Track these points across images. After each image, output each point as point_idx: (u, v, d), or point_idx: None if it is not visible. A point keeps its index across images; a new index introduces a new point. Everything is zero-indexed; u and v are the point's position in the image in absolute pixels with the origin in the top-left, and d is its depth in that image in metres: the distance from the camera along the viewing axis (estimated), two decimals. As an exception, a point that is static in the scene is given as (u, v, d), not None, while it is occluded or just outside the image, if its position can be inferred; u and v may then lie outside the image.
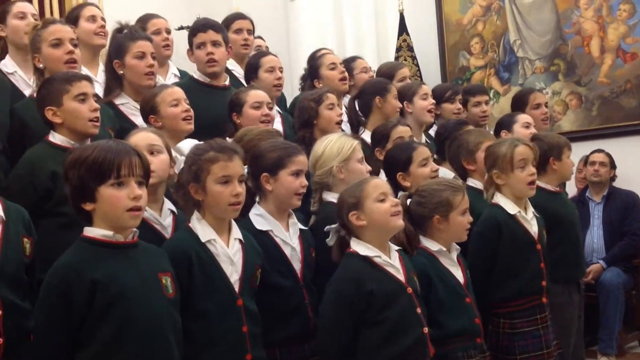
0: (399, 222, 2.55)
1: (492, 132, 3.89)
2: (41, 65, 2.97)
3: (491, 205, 3.07)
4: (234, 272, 2.34)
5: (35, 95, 2.83)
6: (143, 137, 2.51)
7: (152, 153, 2.49)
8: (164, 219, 2.54)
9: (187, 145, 2.62)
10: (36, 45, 2.98)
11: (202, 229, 2.34)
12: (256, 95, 3.25)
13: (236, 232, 2.41)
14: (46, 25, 3.00)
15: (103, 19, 3.63)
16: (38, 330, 2.05)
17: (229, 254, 2.35)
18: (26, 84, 3.28)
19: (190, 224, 2.37)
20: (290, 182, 2.58)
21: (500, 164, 3.03)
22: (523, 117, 3.94)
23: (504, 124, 3.94)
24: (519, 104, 4.31)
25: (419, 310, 2.52)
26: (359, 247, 2.53)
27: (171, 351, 2.10)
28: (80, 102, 2.64)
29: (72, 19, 3.49)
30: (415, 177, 3.02)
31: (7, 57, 3.41)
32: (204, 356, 2.26)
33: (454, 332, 2.65)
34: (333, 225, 2.60)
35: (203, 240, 2.33)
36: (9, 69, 3.32)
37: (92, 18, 3.57)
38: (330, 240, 2.60)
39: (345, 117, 3.94)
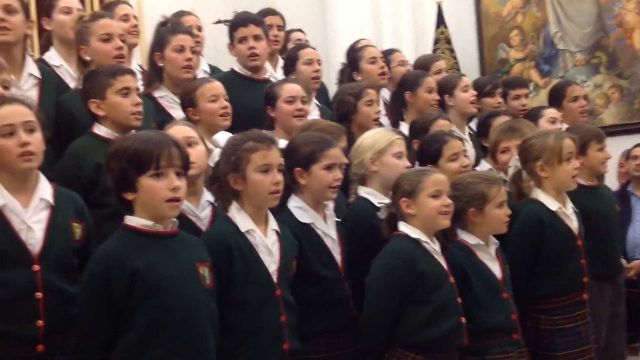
0: (446, 221, 2.59)
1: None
2: (88, 58, 3.00)
3: (531, 201, 3.02)
4: (272, 263, 2.37)
5: (80, 87, 2.88)
6: (178, 131, 2.54)
7: (189, 145, 2.52)
8: (201, 210, 2.58)
9: (223, 137, 2.64)
10: (83, 37, 3.01)
11: (241, 219, 2.37)
12: (290, 89, 3.27)
13: (273, 223, 2.44)
14: (95, 19, 3.04)
15: (135, 18, 3.67)
16: (81, 317, 2.10)
17: (267, 245, 2.38)
18: (72, 77, 3.31)
19: (229, 214, 2.40)
20: (323, 177, 2.59)
21: (548, 156, 2.98)
22: (549, 112, 3.87)
23: (530, 118, 3.84)
24: (556, 96, 4.24)
25: (459, 300, 2.56)
26: (408, 230, 2.57)
27: (207, 340, 2.13)
28: (123, 96, 2.68)
29: None
30: (444, 171, 2.99)
31: (52, 49, 3.45)
32: (243, 345, 2.29)
33: (490, 327, 2.65)
34: (386, 201, 2.64)
35: (243, 230, 2.35)
36: (55, 62, 3.37)
37: (126, 17, 3.62)
38: (382, 214, 2.64)
39: (382, 111, 3.95)
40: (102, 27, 3.00)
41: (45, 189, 2.28)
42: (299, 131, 2.90)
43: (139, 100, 2.73)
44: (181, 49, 3.29)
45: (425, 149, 3.12)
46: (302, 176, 2.60)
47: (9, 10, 2.90)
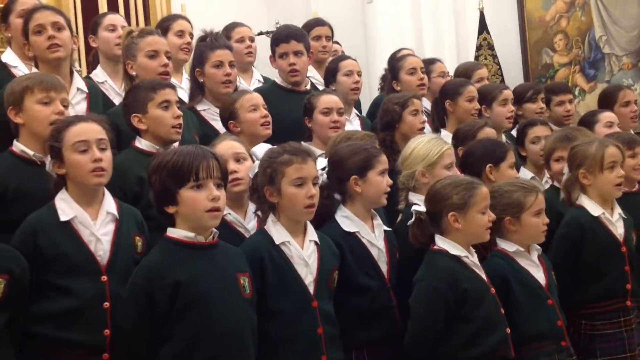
0: (488, 236, 2.58)
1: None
2: (134, 73, 3.09)
3: (575, 206, 3.00)
4: (308, 274, 2.39)
5: (124, 101, 2.96)
6: (228, 146, 2.61)
7: (238, 161, 2.60)
8: (248, 222, 2.62)
9: (261, 149, 2.68)
10: (131, 52, 3.10)
11: (276, 231, 2.40)
12: (326, 100, 3.29)
13: (311, 234, 2.45)
14: (143, 35, 3.12)
15: (191, 35, 3.75)
16: (124, 326, 2.16)
17: (304, 256, 2.39)
18: (115, 92, 3.44)
19: (265, 227, 2.43)
20: (380, 182, 2.62)
21: (589, 164, 2.96)
22: (605, 116, 3.80)
23: (585, 124, 3.79)
24: (607, 101, 4.17)
25: (502, 311, 2.54)
26: (447, 245, 2.55)
27: (247, 349, 2.18)
28: (163, 110, 2.75)
29: (162, 29, 3.61)
30: (502, 175, 2.99)
31: (99, 67, 3.57)
32: (279, 356, 2.31)
33: (533, 335, 2.62)
34: (420, 208, 2.61)
35: (277, 242, 2.38)
36: (100, 79, 3.48)
37: (181, 33, 3.70)
38: (410, 221, 2.62)
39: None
40: (149, 43, 3.09)
41: (110, 203, 2.38)
42: (332, 143, 2.92)
43: (179, 112, 2.79)
44: (219, 65, 3.35)
45: (488, 149, 3.10)
46: (358, 184, 2.61)
47: (58, 27, 3.02)
